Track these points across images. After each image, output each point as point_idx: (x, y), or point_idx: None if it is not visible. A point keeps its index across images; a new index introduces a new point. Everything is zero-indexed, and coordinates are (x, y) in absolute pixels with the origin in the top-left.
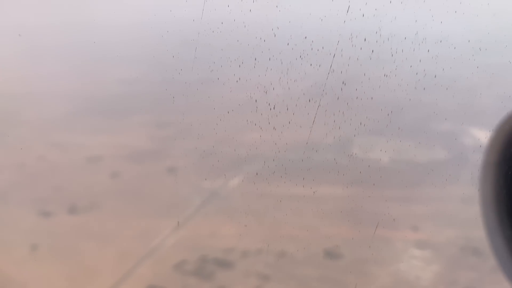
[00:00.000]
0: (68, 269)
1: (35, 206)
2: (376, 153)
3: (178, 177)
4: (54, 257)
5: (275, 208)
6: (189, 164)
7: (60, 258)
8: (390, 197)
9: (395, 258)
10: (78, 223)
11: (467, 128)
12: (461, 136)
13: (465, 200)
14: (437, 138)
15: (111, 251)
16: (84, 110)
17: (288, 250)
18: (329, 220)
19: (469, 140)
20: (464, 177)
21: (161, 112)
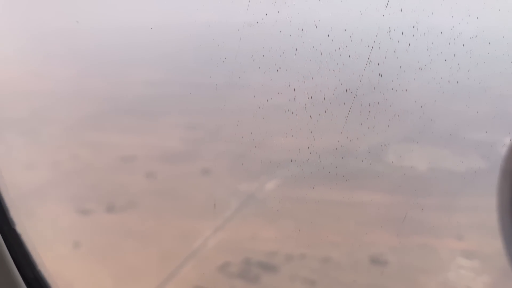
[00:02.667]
0: (112, 268)
1: (73, 204)
2: (412, 160)
3: (213, 178)
4: (97, 255)
5: (314, 213)
6: (222, 166)
7: (103, 256)
8: (431, 205)
9: (443, 267)
10: (118, 222)
11: (503, 131)
12: (497, 140)
13: None
14: (471, 141)
15: (154, 251)
16: (113, 110)
17: (332, 256)
18: (371, 227)
19: (503, 146)
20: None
21: (193, 110)
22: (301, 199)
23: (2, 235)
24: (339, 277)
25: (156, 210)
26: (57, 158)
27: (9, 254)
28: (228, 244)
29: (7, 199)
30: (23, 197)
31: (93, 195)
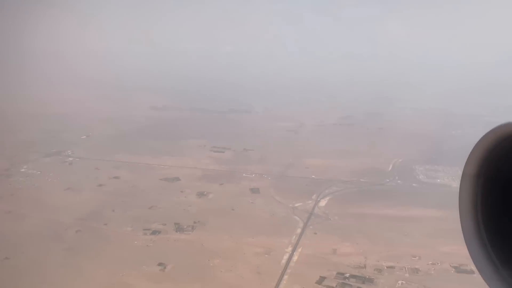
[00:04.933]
0: (212, 287)
1: (137, 225)
2: (443, 178)
3: (266, 197)
4: (189, 275)
5: (379, 227)
6: (268, 185)
7: (196, 276)
8: None
9: None
10: (193, 241)
11: None
12: None
13: None
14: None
15: (245, 268)
16: (133, 133)
17: (418, 267)
18: (439, 239)
19: None
20: None
21: (214, 134)
22: (360, 215)
23: None
24: (435, 287)
25: (225, 228)
26: (98, 181)
27: None
28: (314, 259)
29: None
30: (81, 220)
31: (154, 216)
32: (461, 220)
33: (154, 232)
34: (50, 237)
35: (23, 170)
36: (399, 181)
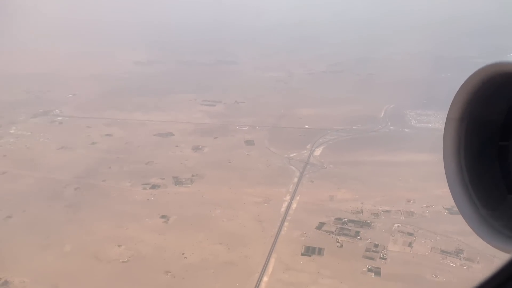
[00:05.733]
0: (217, 236)
1: (136, 180)
2: (434, 122)
3: (260, 149)
4: (192, 225)
5: (374, 173)
6: (262, 137)
7: (199, 226)
8: None
9: None
10: (193, 193)
11: None
12: None
13: None
14: None
15: (247, 216)
16: (120, 89)
17: (413, 210)
18: (432, 182)
19: None
20: None
21: (203, 87)
22: (355, 162)
23: None
24: (429, 228)
25: (223, 180)
26: (90, 139)
27: None
28: (312, 206)
29: None
30: (79, 177)
31: (151, 170)
32: (444, 163)
33: (154, 186)
34: (49, 195)
35: (12, 131)
36: (391, 127)
